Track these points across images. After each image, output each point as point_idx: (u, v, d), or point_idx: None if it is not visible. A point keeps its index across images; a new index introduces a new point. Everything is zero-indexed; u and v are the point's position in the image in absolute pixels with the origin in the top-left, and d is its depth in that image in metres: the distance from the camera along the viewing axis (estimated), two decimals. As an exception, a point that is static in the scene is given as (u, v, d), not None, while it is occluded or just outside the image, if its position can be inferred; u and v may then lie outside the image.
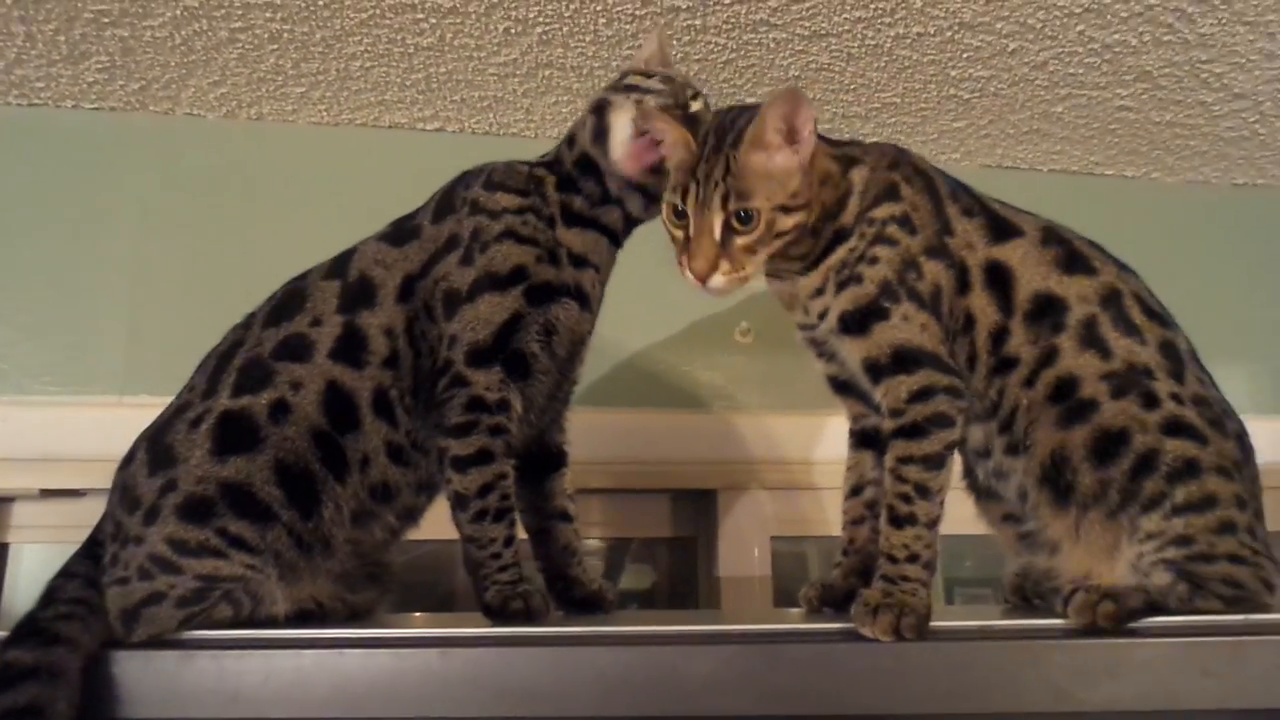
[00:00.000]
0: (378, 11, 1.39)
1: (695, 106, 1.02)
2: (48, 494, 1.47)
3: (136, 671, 0.80)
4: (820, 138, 0.95)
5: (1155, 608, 0.83)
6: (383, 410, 0.93)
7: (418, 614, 1.34)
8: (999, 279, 0.92)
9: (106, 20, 1.38)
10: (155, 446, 0.90)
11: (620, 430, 1.65)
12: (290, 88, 1.56)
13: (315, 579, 0.90)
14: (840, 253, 0.93)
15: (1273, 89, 1.61)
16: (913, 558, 0.84)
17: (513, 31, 1.43)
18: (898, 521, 0.85)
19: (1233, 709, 0.78)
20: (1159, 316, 0.94)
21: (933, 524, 0.85)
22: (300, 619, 0.88)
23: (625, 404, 1.67)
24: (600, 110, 1.02)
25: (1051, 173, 1.91)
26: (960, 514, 1.00)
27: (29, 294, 1.55)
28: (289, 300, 0.97)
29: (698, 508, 1.72)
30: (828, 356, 0.98)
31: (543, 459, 1.03)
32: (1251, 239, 1.97)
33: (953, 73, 1.56)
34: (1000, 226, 0.95)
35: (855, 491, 0.98)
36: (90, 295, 1.56)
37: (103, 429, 1.49)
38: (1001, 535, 1.00)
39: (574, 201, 0.99)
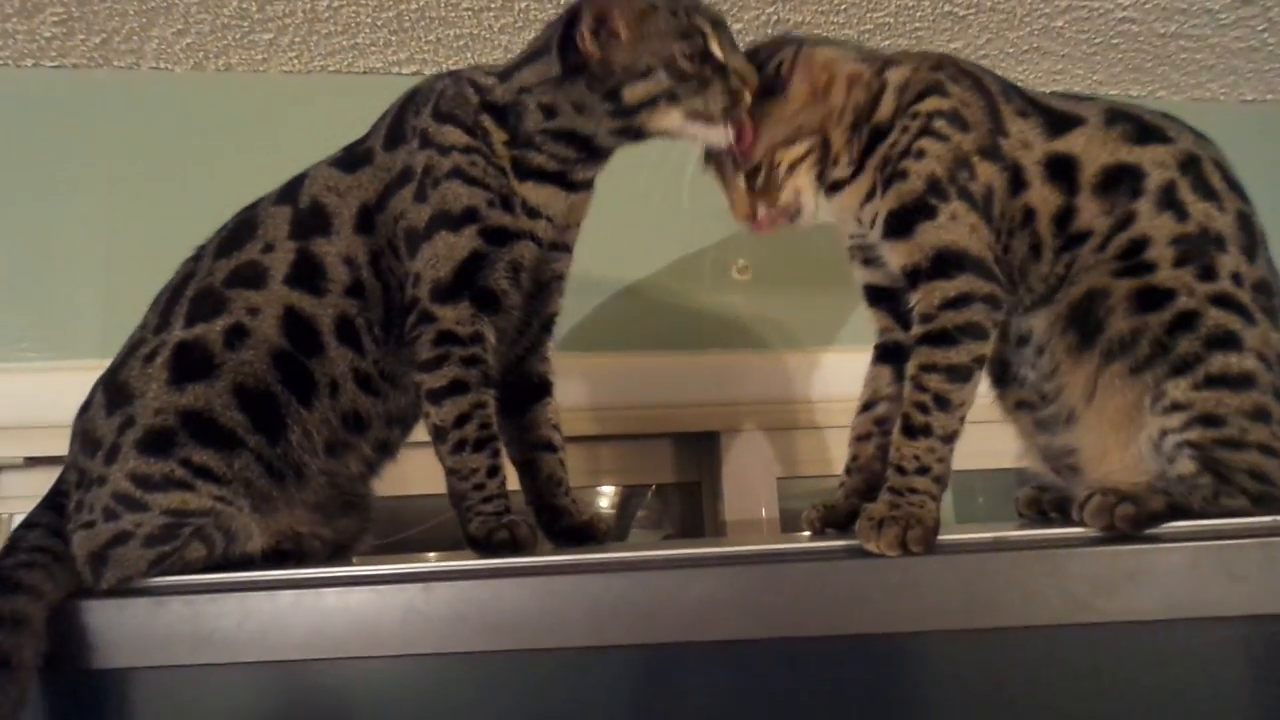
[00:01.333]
0: (341, -57, 1.32)
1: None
2: (33, 461, 1.44)
3: (107, 619, 0.77)
4: (858, 49, 0.96)
5: (1178, 510, 0.79)
6: (347, 337, 0.89)
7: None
8: (1062, 169, 0.88)
9: (59, -34, 1.33)
10: (111, 386, 0.86)
11: (617, 374, 1.60)
12: (258, 34, 1.50)
13: (292, 509, 0.87)
14: (882, 150, 0.89)
15: (1282, -10, 1.54)
16: (923, 470, 0.79)
17: (484, -41, 1.37)
18: (911, 431, 0.81)
19: (1264, 614, 0.74)
20: (1238, 189, 0.90)
21: (948, 438, 0.81)
22: (278, 558, 0.84)
23: (620, 347, 1.62)
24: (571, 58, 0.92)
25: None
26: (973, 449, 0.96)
27: (1, 261, 1.50)
28: (240, 229, 0.93)
29: (701, 451, 1.68)
30: (872, 263, 0.95)
31: (525, 389, 0.99)
32: (1260, 158, 1.90)
33: (947, -14, 1.49)
34: (1058, 120, 0.90)
35: (868, 406, 0.94)
36: (64, 259, 1.52)
37: (85, 393, 1.46)
38: (1018, 424, 0.96)
39: (532, 159, 0.93)
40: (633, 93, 0.89)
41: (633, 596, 0.73)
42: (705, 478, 1.68)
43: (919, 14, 1.56)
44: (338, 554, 0.93)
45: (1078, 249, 0.88)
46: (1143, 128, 0.90)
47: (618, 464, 1.67)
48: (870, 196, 0.90)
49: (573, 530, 0.95)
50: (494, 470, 0.88)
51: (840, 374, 1.55)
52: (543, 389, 1.00)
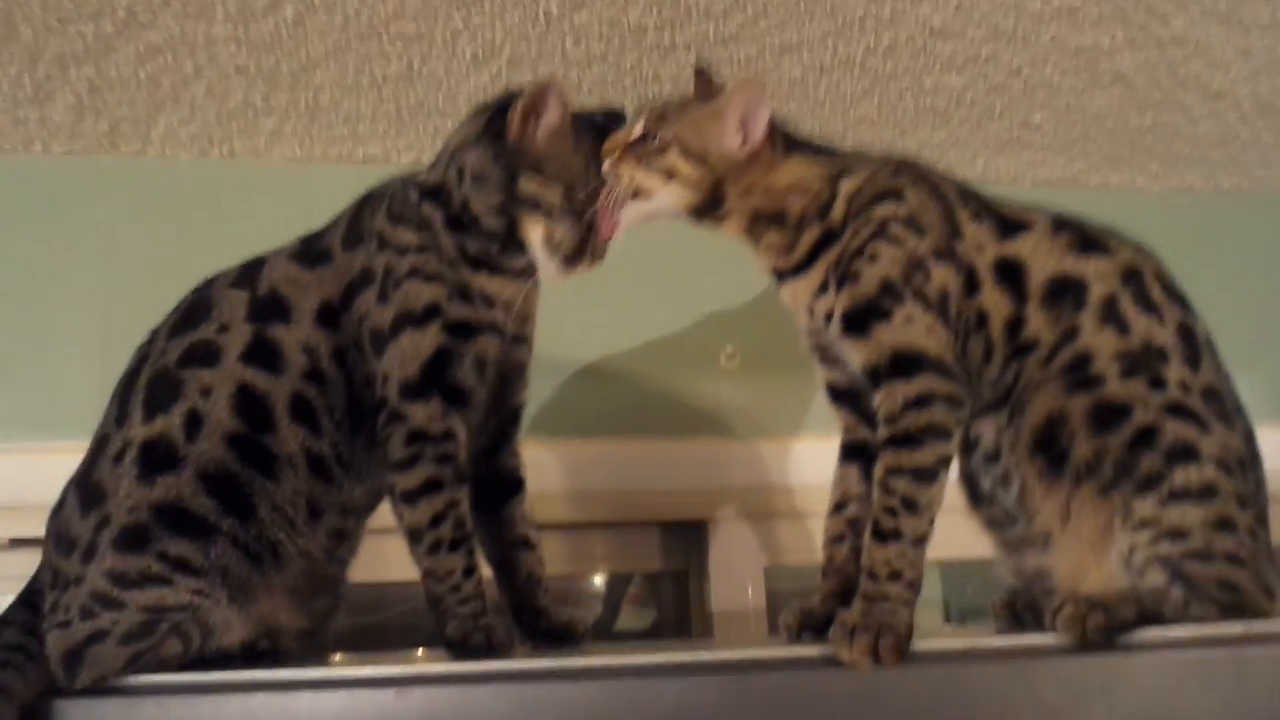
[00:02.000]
0: (343, 41, 1.37)
1: None
2: (18, 543, 1.43)
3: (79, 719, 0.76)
4: (818, 148, 0.99)
5: (1149, 617, 0.79)
6: (301, 416, 0.91)
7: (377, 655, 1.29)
8: (1010, 273, 0.90)
9: (70, 60, 1.37)
10: (84, 487, 0.87)
11: (604, 460, 1.61)
12: (260, 122, 1.55)
13: (270, 594, 0.87)
14: (835, 250, 0.91)
15: (1250, 88, 1.59)
16: (894, 575, 0.80)
17: (480, 57, 1.42)
18: (882, 536, 0.81)
19: (1237, 724, 0.74)
20: (1179, 298, 0.92)
21: (919, 542, 0.81)
22: (253, 656, 0.84)
23: (608, 433, 1.63)
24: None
25: (1035, 184, 1.88)
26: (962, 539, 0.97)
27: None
28: (195, 308, 0.95)
29: (688, 539, 1.67)
30: (831, 362, 0.96)
31: (497, 486, 1.00)
32: (1240, 245, 1.94)
33: (927, 82, 1.55)
34: (1009, 224, 0.93)
35: (839, 507, 0.95)
36: (62, 340, 1.54)
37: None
38: (993, 541, 0.96)
39: (469, 245, 0.97)
40: (527, 184, 0.95)
41: (605, 704, 0.74)
42: (693, 566, 1.67)
43: (901, 109, 1.61)
44: (312, 639, 0.93)
45: (1025, 358, 0.90)
46: (1085, 238, 0.92)
47: (604, 551, 1.66)
48: (823, 291, 0.92)
49: (552, 631, 0.95)
50: (469, 570, 0.88)
51: (828, 462, 1.55)
52: (515, 485, 1.01)
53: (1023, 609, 0.94)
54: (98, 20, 1.30)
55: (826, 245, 0.92)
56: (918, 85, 1.56)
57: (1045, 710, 0.74)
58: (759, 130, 0.93)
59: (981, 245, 0.91)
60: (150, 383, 0.90)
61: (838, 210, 0.93)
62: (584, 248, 0.97)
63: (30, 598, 0.85)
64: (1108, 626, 0.77)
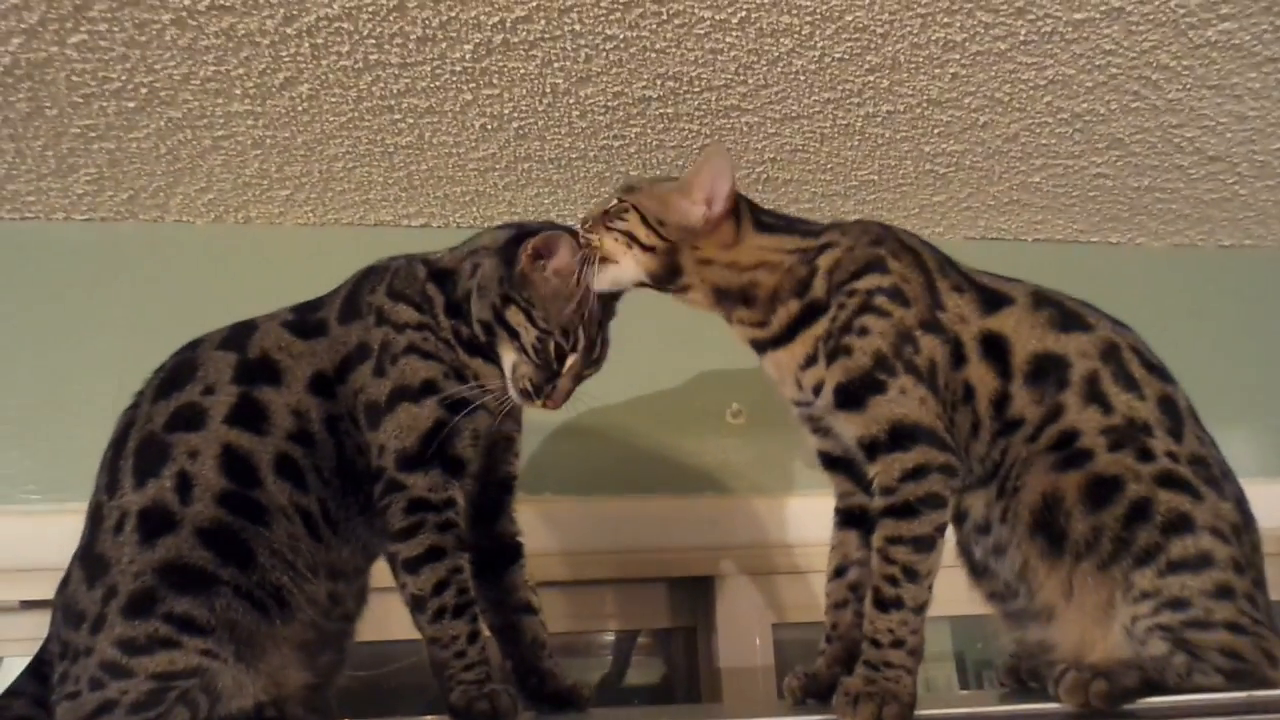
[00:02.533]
0: (357, 114, 1.42)
1: None
2: (29, 605, 1.44)
3: (87, 792, 0.77)
4: (790, 223, 1.01)
5: (1151, 686, 0.79)
6: (286, 473, 0.92)
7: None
8: (995, 348, 0.92)
9: (94, 134, 1.42)
10: (87, 560, 0.89)
11: (611, 518, 1.62)
12: (275, 191, 1.59)
13: (279, 649, 0.88)
14: (822, 323, 0.93)
15: (1246, 150, 1.62)
16: (897, 643, 0.80)
17: (489, 128, 1.46)
18: (883, 605, 0.82)
19: (1242, 795, 0.74)
20: (1158, 370, 0.94)
21: (919, 609, 0.82)
22: (258, 721, 0.84)
23: (616, 491, 1.64)
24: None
25: (1036, 242, 1.91)
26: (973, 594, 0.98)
27: (13, 402, 1.55)
28: (179, 370, 0.98)
29: (695, 596, 1.67)
30: (823, 432, 0.97)
31: (497, 553, 1.02)
32: (1242, 300, 1.96)
33: (926, 148, 1.58)
34: (990, 298, 0.95)
35: (839, 573, 0.95)
36: (76, 403, 1.56)
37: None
38: (995, 612, 0.96)
39: (463, 330, 1.02)
40: (512, 315, 1.00)
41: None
42: (700, 622, 1.67)
43: (901, 172, 1.64)
44: (317, 695, 0.93)
45: (1011, 435, 0.91)
46: (1065, 314, 0.94)
47: (611, 609, 1.66)
48: (810, 363, 0.93)
49: (556, 696, 0.96)
50: (474, 636, 0.89)
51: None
52: (514, 551, 1.03)
53: (1027, 675, 0.94)
54: (120, 98, 1.34)
55: (809, 320, 0.94)
56: (917, 151, 1.59)
57: (1050, 780, 0.73)
58: (720, 201, 0.95)
59: (965, 318, 0.93)
60: (138, 449, 0.92)
61: (818, 286, 0.95)
62: (539, 391, 1.00)
63: (39, 669, 0.86)
64: (1110, 694, 0.77)
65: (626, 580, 1.64)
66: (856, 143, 1.56)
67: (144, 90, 1.34)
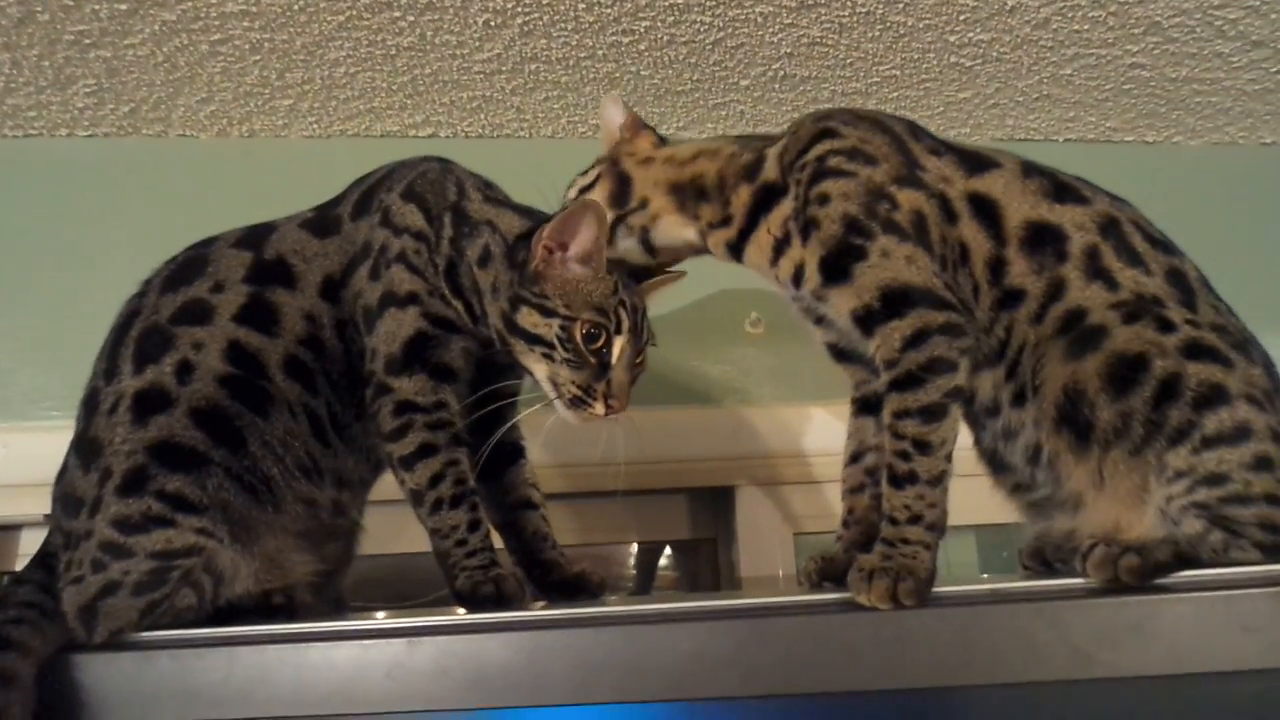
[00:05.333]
0: (354, 13, 1.37)
1: None
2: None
3: (96, 674, 0.77)
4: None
5: (1185, 560, 0.76)
6: (296, 374, 0.90)
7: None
8: (984, 210, 0.87)
9: (88, 41, 1.38)
10: (82, 445, 0.88)
11: (629, 428, 1.60)
12: (278, 100, 1.55)
13: (274, 535, 0.87)
14: (785, 205, 0.88)
15: (1293, 31, 1.53)
16: (915, 519, 0.78)
17: (492, 24, 1.41)
18: (897, 481, 0.79)
19: (1277, 667, 0.71)
20: (1162, 244, 0.88)
21: (935, 480, 0.79)
22: (269, 611, 0.84)
23: (633, 401, 1.61)
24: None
25: (1068, 142, 1.83)
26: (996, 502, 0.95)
27: (28, 321, 1.55)
28: (188, 266, 0.96)
29: (715, 507, 1.65)
30: (822, 323, 0.93)
31: (497, 455, 0.99)
32: (1282, 200, 1.87)
33: (951, 38, 1.50)
34: (974, 161, 0.90)
35: (855, 458, 0.92)
36: (89, 320, 1.51)
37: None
38: (1015, 507, 0.93)
39: (460, 277, 0.95)
40: (524, 317, 0.90)
41: (618, 652, 0.72)
42: (720, 534, 1.65)
43: (924, 66, 1.57)
44: (328, 582, 0.93)
45: (1014, 310, 0.86)
46: (1058, 185, 0.89)
47: (631, 520, 1.65)
48: (781, 251, 0.89)
49: (564, 583, 0.94)
50: (474, 524, 0.87)
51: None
52: (516, 452, 1.01)
53: (1053, 557, 0.91)
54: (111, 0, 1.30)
55: (767, 204, 0.90)
56: (942, 42, 1.52)
57: (1074, 653, 0.71)
58: (620, 114, 0.99)
59: (948, 178, 0.88)
60: (140, 337, 0.90)
61: (770, 169, 0.91)
62: (591, 393, 0.89)
63: (44, 559, 0.86)
64: (1142, 569, 0.74)
65: (645, 491, 1.62)
66: (878, 33, 1.48)
67: (136, -10, 1.29)
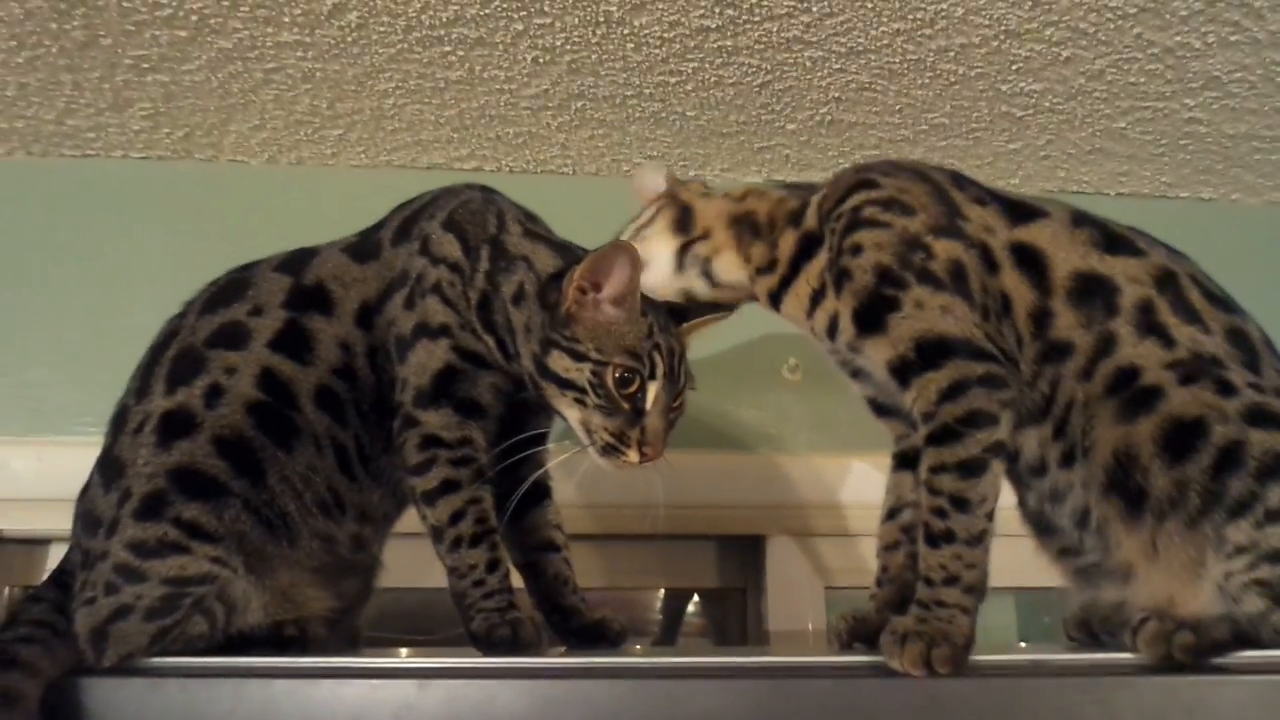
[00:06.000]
0: (405, 46, 1.38)
1: None
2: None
3: (103, 700, 0.75)
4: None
5: (1245, 640, 0.71)
6: (326, 405, 0.89)
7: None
8: (1029, 260, 0.84)
9: (146, 66, 1.41)
10: (106, 464, 0.88)
11: (661, 472, 1.57)
12: (327, 130, 1.57)
13: (290, 570, 0.85)
14: (821, 255, 0.87)
15: (1361, 90, 1.48)
16: (951, 580, 0.74)
17: (541, 61, 1.41)
18: (933, 540, 0.75)
19: (1345, 762, 0.65)
20: (1222, 301, 0.84)
21: (974, 540, 0.75)
22: (280, 644, 0.82)
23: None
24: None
25: (1120, 196, 1.79)
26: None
27: (68, 337, 1.56)
28: (229, 288, 0.95)
29: (745, 556, 1.61)
30: (860, 375, 0.90)
31: (523, 495, 0.96)
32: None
33: (1003, 87, 1.48)
34: (1020, 210, 0.87)
35: (891, 514, 0.89)
36: (128, 338, 1.54)
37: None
38: (1062, 572, 0.88)
39: (493, 313, 0.92)
40: (555, 361, 0.88)
41: (632, 707, 0.69)
42: (749, 584, 1.61)
43: (975, 115, 1.55)
44: (343, 620, 0.91)
45: (1059, 365, 0.82)
46: (1110, 236, 0.85)
47: (658, 566, 1.61)
48: (817, 302, 0.87)
49: (584, 630, 0.91)
50: (494, 564, 0.85)
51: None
52: (541, 493, 0.98)
53: (1099, 628, 0.86)
54: (171, 26, 1.33)
55: (808, 253, 0.88)
56: (993, 90, 1.49)
57: (1122, 735, 0.66)
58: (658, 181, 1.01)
59: (991, 228, 0.85)
60: (175, 358, 0.90)
61: (810, 217, 0.90)
62: (624, 439, 0.86)
63: (61, 577, 0.85)
64: (1198, 647, 0.70)
65: (674, 536, 1.59)
66: (928, 80, 1.47)
67: (194, 18, 1.32)
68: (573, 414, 0.88)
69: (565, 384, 0.87)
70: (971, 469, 0.76)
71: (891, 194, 0.85)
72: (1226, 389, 0.77)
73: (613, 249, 0.87)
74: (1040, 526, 0.87)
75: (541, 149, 1.63)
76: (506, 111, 1.53)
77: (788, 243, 0.89)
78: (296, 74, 1.44)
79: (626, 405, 0.86)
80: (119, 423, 0.89)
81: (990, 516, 0.76)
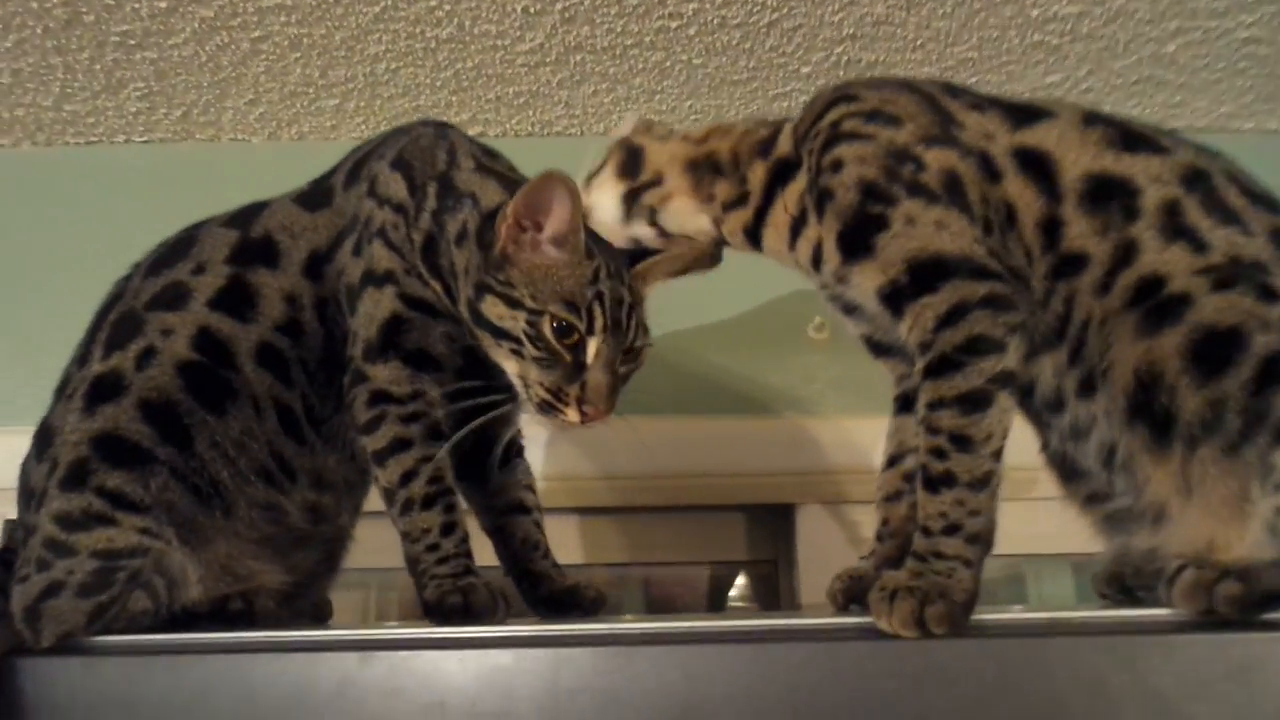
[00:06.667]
0: (390, 3, 1.33)
1: None
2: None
3: (39, 680, 0.71)
4: None
5: (1302, 590, 0.61)
6: (269, 363, 0.83)
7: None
8: (1034, 164, 0.74)
9: (133, 43, 1.38)
10: (40, 433, 0.83)
11: (682, 439, 1.49)
12: (323, 100, 1.53)
13: (228, 541, 0.80)
14: (800, 179, 0.78)
15: None
16: (951, 529, 0.65)
17: (532, 11, 1.34)
18: (932, 484, 0.66)
19: None
20: (1267, 200, 0.73)
21: (978, 484, 0.65)
22: (225, 617, 0.77)
23: (685, 410, 1.51)
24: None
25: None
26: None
27: (75, 328, 1.55)
28: (175, 246, 0.90)
29: (776, 526, 1.53)
30: (853, 312, 0.82)
31: (489, 451, 0.90)
32: None
33: (1034, 12, 1.36)
34: (1024, 112, 0.77)
35: (892, 461, 0.80)
36: None
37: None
38: (1092, 521, 0.78)
39: (439, 256, 0.85)
40: (489, 308, 0.80)
41: (592, 678, 0.62)
42: (780, 555, 1.52)
43: (1005, 46, 1.43)
44: (301, 596, 0.86)
45: (1073, 279, 0.72)
46: (1128, 134, 0.75)
47: (683, 539, 1.54)
48: (796, 233, 0.79)
49: (555, 597, 0.85)
50: (449, 528, 0.78)
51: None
52: (512, 450, 0.92)
53: (1134, 582, 0.76)
54: (149, -5, 1.30)
55: (783, 178, 0.79)
56: (1024, 17, 1.38)
57: (1155, 703, 0.57)
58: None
59: (990, 134, 0.75)
60: (115, 322, 0.86)
61: (784, 143, 0.81)
62: (562, 396, 0.78)
63: (4, 555, 0.81)
64: (1245, 598, 0.60)
65: (699, 507, 1.51)
66: (949, 9, 1.36)
67: (171, -15, 1.28)
68: (510, 366, 0.81)
69: (500, 333, 0.80)
70: (974, 402, 0.66)
71: (875, 105, 0.77)
72: (1269, 295, 0.66)
73: (545, 180, 0.79)
74: (1065, 470, 0.77)
75: (545, 109, 1.56)
76: (503, 70, 1.46)
77: (758, 174, 0.81)
78: (284, 41, 1.39)
79: (567, 358, 0.79)
80: (58, 391, 0.85)
81: (997, 456, 0.66)
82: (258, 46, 1.40)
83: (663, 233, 0.86)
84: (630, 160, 0.85)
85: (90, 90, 1.49)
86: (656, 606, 1.60)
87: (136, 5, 1.32)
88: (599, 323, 0.79)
